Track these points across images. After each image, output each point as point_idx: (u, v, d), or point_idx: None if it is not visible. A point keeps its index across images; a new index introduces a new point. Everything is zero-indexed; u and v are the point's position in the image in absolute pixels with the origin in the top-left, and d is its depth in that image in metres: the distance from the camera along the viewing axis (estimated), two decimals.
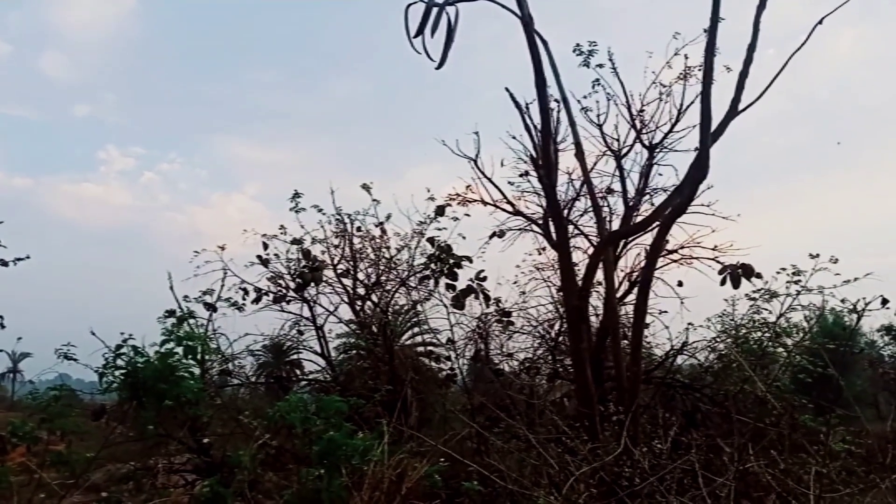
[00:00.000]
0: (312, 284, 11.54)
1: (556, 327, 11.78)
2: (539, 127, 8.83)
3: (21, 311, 10.05)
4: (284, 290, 11.83)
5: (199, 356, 6.80)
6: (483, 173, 11.33)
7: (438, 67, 7.63)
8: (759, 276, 10.20)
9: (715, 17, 7.92)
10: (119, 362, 6.22)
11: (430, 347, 13.79)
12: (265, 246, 11.66)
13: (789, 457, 6.75)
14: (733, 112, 8.14)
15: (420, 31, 7.54)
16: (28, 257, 9.91)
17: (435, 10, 7.57)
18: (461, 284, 11.76)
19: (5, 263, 9.76)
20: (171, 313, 9.90)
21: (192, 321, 9.99)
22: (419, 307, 12.21)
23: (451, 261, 11.68)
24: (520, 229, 11.64)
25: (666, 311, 10.68)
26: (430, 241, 11.82)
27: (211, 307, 10.54)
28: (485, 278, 11.79)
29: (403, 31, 7.53)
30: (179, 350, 6.43)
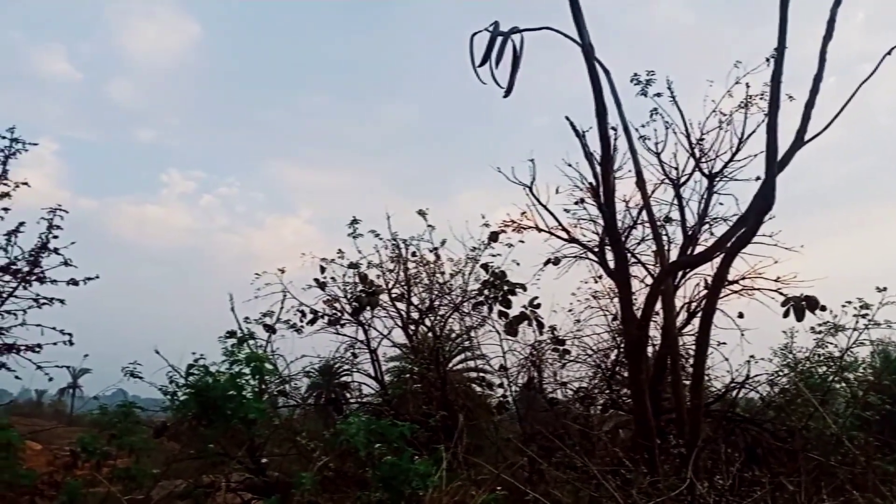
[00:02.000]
0: (368, 308, 11.65)
1: (612, 357, 11.65)
2: (599, 155, 8.81)
3: (82, 328, 10.36)
4: (340, 313, 11.97)
5: (264, 376, 6.92)
6: (538, 200, 11.35)
7: (506, 95, 7.73)
8: (823, 308, 9.94)
9: (781, 48, 7.85)
10: (190, 381, 6.36)
11: (481, 374, 13.76)
12: (322, 269, 11.84)
13: (862, 497, 6.53)
14: (799, 142, 8.03)
15: (485, 61, 7.66)
16: (98, 277, 10.34)
17: (499, 39, 7.67)
18: (514, 311, 11.77)
19: (76, 283, 10.16)
20: (231, 334, 10.11)
21: (251, 342, 10.23)
22: (472, 333, 12.22)
23: (506, 287, 11.69)
24: (575, 257, 11.60)
25: (725, 343, 10.48)
26: (485, 267, 11.85)
27: (270, 329, 10.71)
28: (538, 305, 11.77)
29: (468, 59, 7.65)
30: (247, 371, 6.57)
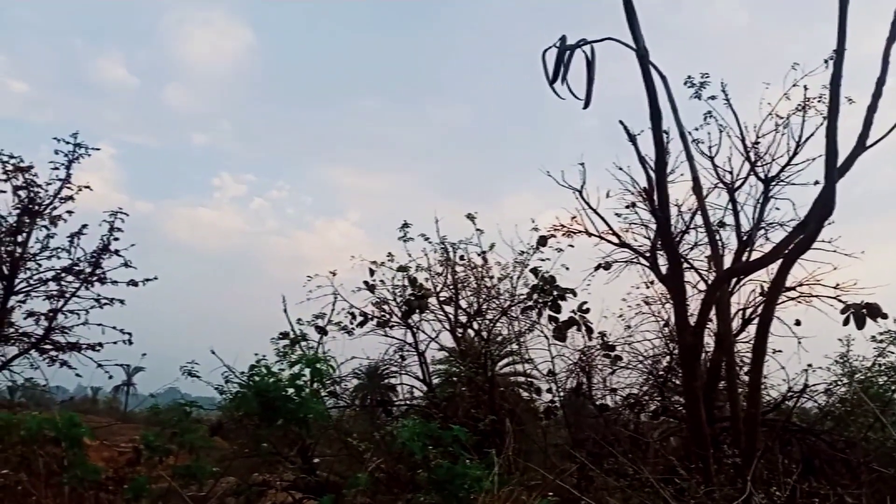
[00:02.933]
0: (417, 311, 11.72)
1: (664, 363, 11.51)
2: (653, 159, 8.73)
3: (137, 327, 10.69)
4: (389, 316, 12.06)
5: (322, 378, 7.04)
6: (588, 204, 11.29)
7: (585, 106, 7.79)
8: (885, 316, 9.66)
9: (840, 51, 7.67)
10: (252, 381, 6.51)
11: (529, 378, 13.70)
12: (372, 272, 11.94)
13: None
14: (861, 147, 7.83)
15: (556, 76, 7.70)
16: (156, 278, 10.66)
17: (567, 52, 7.72)
18: (564, 316, 11.70)
19: (135, 284, 10.49)
20: (284, 335, 10.29)
21: (303, 343, 10.39)
22: (520, 337, 12.18)
23: (555, 292, 11.63)
24: (626, 262, 11.50)
25: (781, 351, 10.25)
26: (534, 271, 11.81)
27: (322, 330, 10.86)
28: (588, 310, 11.67)
29: (542, 75, 7.72)
30: (305, 372, 6.69)
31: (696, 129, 10.80)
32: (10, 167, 9.91)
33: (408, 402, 12.69)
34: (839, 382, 10.20)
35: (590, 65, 8.00)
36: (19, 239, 9.99)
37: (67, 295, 10.21)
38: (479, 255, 12.16)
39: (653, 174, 8.94)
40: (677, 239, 10.81)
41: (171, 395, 9.35)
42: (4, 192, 9.97)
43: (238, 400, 6.59)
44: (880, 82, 7.83)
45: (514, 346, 12.54)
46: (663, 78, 8.68)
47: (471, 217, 11.96)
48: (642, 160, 9.23)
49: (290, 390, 6.30)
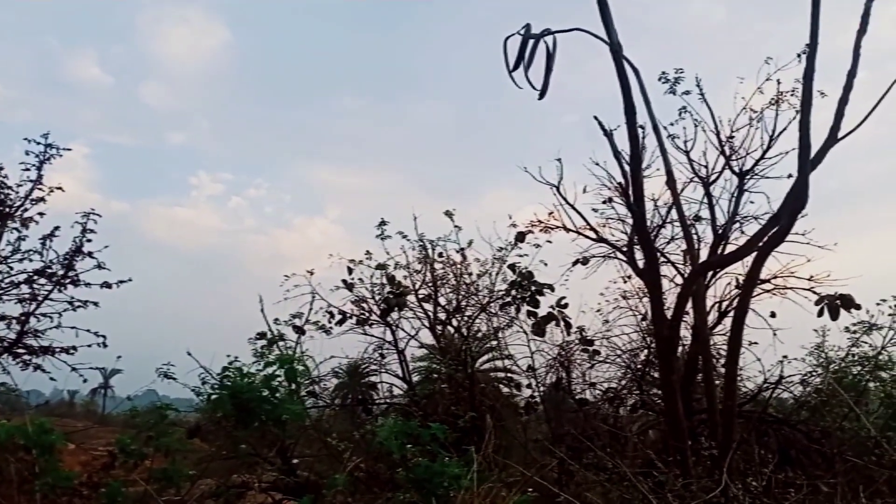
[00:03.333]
0: (396, 309, 11.69)
1: (642, 357, 11.58)
2: (628, 154, 8.75)
3: (113, 329, 10.56)
4: (368, 314, 12.01)
5: (298, 377, 6.97)
6: (566, 200, 11.31)
7: (541, 97, 7.74)
8: (858, 307, 9.78)
9: (813, 45, 7.72)
10: (225, 383, 6.44)
11: (509, 374, 13.74)
12: (350, 270, 11.89)
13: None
14: (833, 140, 7.89)
15: (518, 64, 7.67)
16: (130, 280, 10.51)
17: (531, 41, 7.67)
18: (542, 311, 11.72)
19: (109, 285, 10.34)
20: (262, 335, 10.21)
21: (281, 343, 10.32)
22: (500, 333, 12.20)
23: (533, 288, 11.65)
24: (603, 256, 11.54)
25: (757, 343, 10.35)
26: (512, 267, 11.81)
27: (299, 330, 10.79)
28: (566, 305, 11.69)
29: (502, 63, 7.67)
30: (280, 372, 6.63)
31: (672, 125, 10.87)
32: None
33: (388, 400, 12.67)
34: (814, 373, 10.31)
35: (550, 55, 7.95)
36: None
37: (40, 298, 10.04)
38: (457, 251, 12.18)
39: (628, 169, 8.97)
40: (653, 233, 10.88)
41: (150, 397, 9.23)
42: None
43: (213, 402, 6.51)
44: (851, 75, 7.91)
45: (494, 343, 12.55)
46: (636, 72, 8.69)
47: (448, 214, 11.96)
48: (617, 155, 9.25)
49: (265, 391, 6.25)
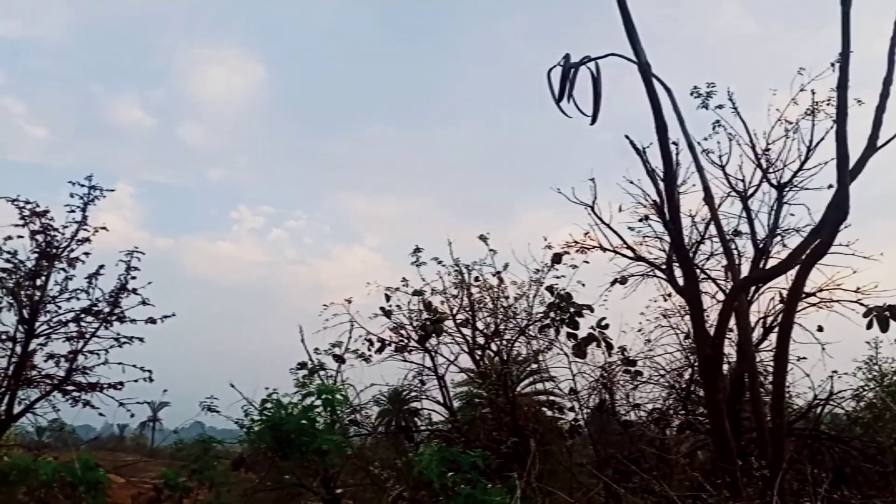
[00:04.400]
0: (434, 335, 11.68)
1: (686, 376, 11.35)
2: (661, 172, 8.69)
3: (160, 363, 10.76)
4: (406, 341, 12.02)
5: (337, 407, 7.00)
6: (601, 219, 11.21)
7: (592, 123, 7.81)
8: None
9: (845, 53, 7.61)
10: (265, 415, 6.50)
11: (551, 397, 13.58)
12: (387, 298, 11.93)
13: None
14: (872, 149, 7.75)
15: (562, 95, 7.74)
16: (174, 315, 10.73)
17: (572, 70, 7.76)
18: (582, 333, 11.60)
19: (154, 321, 10.56)
20: (302, 365, 10.29)
21: (322, 372, 10.38)
22: (539, 356, 12.09)
23: (572, 309, 11.54)
24: (642, 275, 11.40)
25: (805, 358, 10.08)
26: (549, 289, 11.72)
27: (339, 359, 10.84)
28: (607, 326, 11.55)
29: (548, 93, 7.77)
30: (319, 402, 6.67)
31: (706, 139, 10.77)
32: (26, 212, 10.06)
33: (429, 427, 12.62)
34: (866, 388, 9.99)
35: (595, 81, 8.03)
36: (38, 282, 10.11)
37: (87, 335, 10.30)
38: (493, 275, 12.14)
39: (662, 186, 8.89)
40: (692, 250, 10.73)
41: (196, 429, 9.37)
42: (22, 237, 10.12)
43: (253, 434, 6.58)
44: (887, 82, 7.77)
45: (534, 366, 12.44)
46: (668, 90, 8.65)
47: (483, 238, 11.94)
48: (651, 173, 9.18)
49: (304, 422, 6.28)
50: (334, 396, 6.80)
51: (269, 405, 6.54)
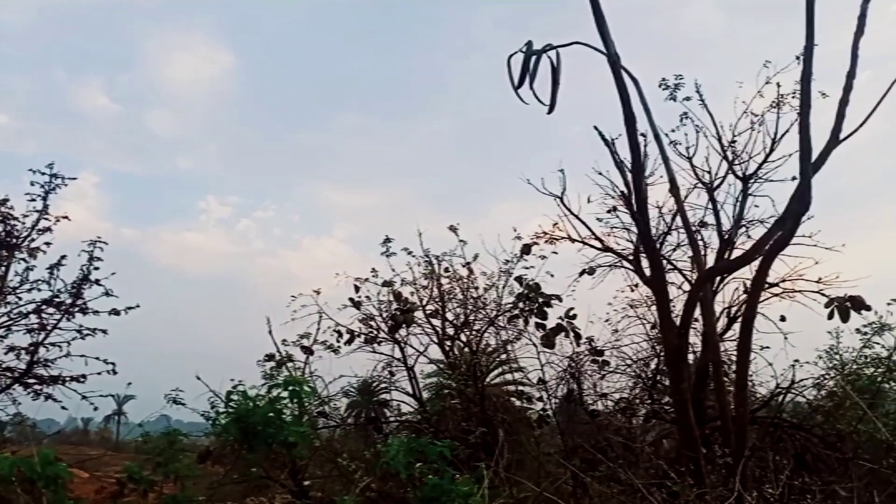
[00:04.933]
0: (403, 326, 11.66)
1: (653, 366, 11.49)
2: (629, 163, 8.73)
3: (126, 355, 10.60)
4: (376, 332, 11.99)
5: (303, 399, 6.95)
6: (570, 210, 11.25)
7: (549, 112, 7.77)
8: (868, 308, 9.68)
9: (809, 47, 7.71)
10: (230, 407, 6.43)
11: (520, 387, 13.66)
12: (357, 289, 11.89)
13: None
14: (834, 141, 7.85)
15: (522, 81, 7.70)
16: (138, 306, 10.56)
17: (534, 58, 7.71)
18: (551, 323, 11.67)
19: (117, 312, 10.38)
20: (270, 357, 10.21)
21: (290, 364, 10.31)
22: (509, 347, 12.15)
23: (540, 299, 11.60)
24: (610, 266, 11.48)
25: (768, 347, 10.26)
26: (518, 279, 11.78)
27: (308, 350, 10.77)
28: (575, 316, 11.63)
29: (498, 78, 7.71)
30: (285, 394, 6.62)
31: (673, 131, 10.87)
32: None
33: (398, 418, 12.62)
34: (827, 376, 10.20)
35: (555, 70, 7.99)
36: None
37: (48, 327, 10.09)
38: (463, 265, 12.16)
39: (630, 177, 8.94)
40: (660, 241, 10.84)
41: (163, 422, 9.23)
42: None
43: (219, 426, 6.51)
44: (850, 76, 7.88)
45: (504, 356, 12.50)
46: (636, 82, 8.68)
47: (453, 229, 11.95)
48: (618, 164, 9.24)
49: (270, 414, 6.23)
50: (301, 388, 6.73)
51: (234, 397, 6.47)
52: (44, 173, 10.19)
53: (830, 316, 9.82)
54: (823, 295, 9.90)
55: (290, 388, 6.53)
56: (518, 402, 14.05)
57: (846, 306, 9.62)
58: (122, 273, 10.64)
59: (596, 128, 9.26)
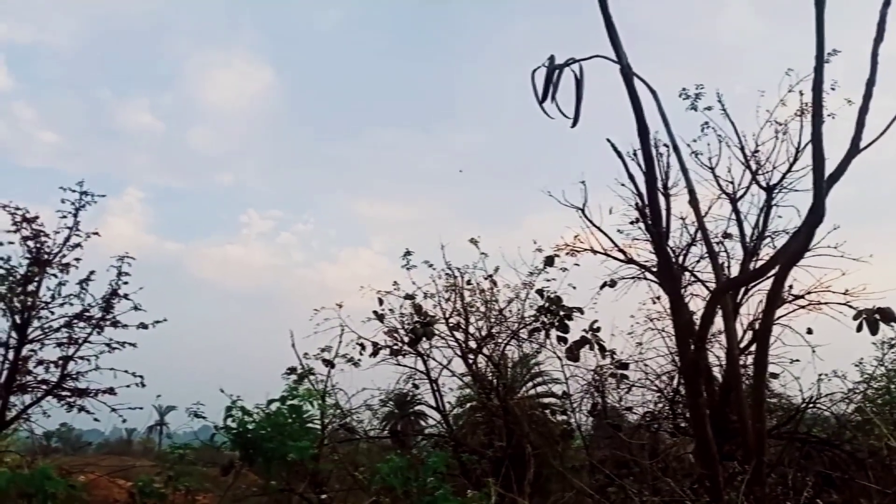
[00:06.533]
0: (424, 339, 11.68)
1: (675, 380, 11.29)
2: (644, 175, 8.65)
3: (167, 367, 10.85)
4: (399, 344, 12.03)
5: (305, 413, 6.99)
6: (591, 222, 11.19)
7: (573, 125, 7.76)
8: None
9: (820, 55, 7.55)
10: (229, 423, 6.53)
11: (545, 400, 13.56)
12: (380, 301, 11.95)
13: None
14: (854, 151, 7.63)
15: (545, 95, 7.71)
16: (165, 320, 10.78)
17: (556, 71, 7.73)
18: (574, 335, 11.56)
19: (145, 326, 10.63)
20: (292, 370, 10.32)
21: (311, 377, 10.40)
22: (531, 359, 12.08)
23: (562, 312, 11.52)
24: (633, 278, 11.36)
25: (797, 360, 10.03)
26: (539, 292, 11.71)
27: (329, 363, 10.86)
28: (598, 329, 11.52)
29: (529, 90, 7.72)
30: (285, 408, 6.68)
31: (695, 141, 10.74)
32: (17, 218, 10.15)
33: (421, 431, 12.64)
34: (856, 390, 9.89)
35: (578, 83, 7.97)
36: (30, 288, 10.20)
37: (80, 341, 10.37)
38: (485, 278, 12.14)
39: (644, 190, 8.86)
40: (683, 252, 10.72)
41: (205, 433, 9.41)
42: (13, 243, 10.19)
43: (219, 442, 6.62)
44: (870, 83, 7.66)
45: (526, 369, 12.43)
46: (653, 92, 8.60)
47: (473, 241, 11.95)
48: (631, 177, 9.18)
49: (268, 429, 6.30)
50: (302, 403, 6.79)
51: (233, 413, 6.56)
52: (74, 191, 10.51)
53: (860, 328, 9.53)
54: (851, 307, 9.64)
55: (290, 402, 6.59)
56: (543, 416, 13.95)
57: (875, 318, 9.32)
58: (167, 285, 10.89)
59: (609, 140, 9.17)
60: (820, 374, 9.78)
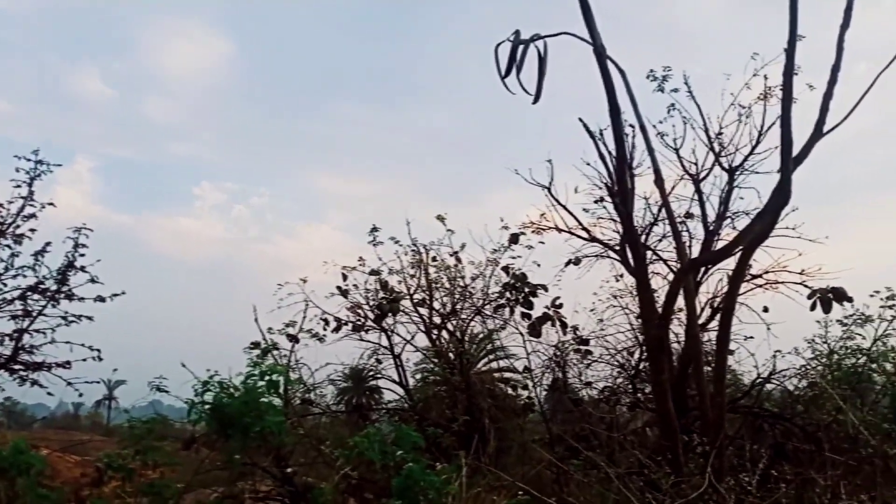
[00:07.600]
0: (390, 314, 11.69)
1: (636, 355, 11.54)
2: (614, 154, 8.76)
3: (117, 341, 10.58)
4: (363, 320, 12.01)
5: (280, 388, 6.96)
6: (557, 200, 11.25)
7: (535, 102, 7.76)
8: (850, 299, 9.75)
9: (792, 40, 7.72)
10: (206, 397, 6.45)
11: (507, 375, 13.72)
12: (344, 277, 11.90)
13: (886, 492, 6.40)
14: (818, 134, 7.87)
15: (509, 70, 7.69)
16: (124, 293, 10.50)
17: (521, 47, 7.69)
18: (537, 312, 11.73)
19: (102, 299, 10.34)
20: (255, 345, 10.21)
21: (275, 352, 10.31)
22: (495, 335, 12.20)
23: (527, 289, 11.66)
24: (596, 256, 11.50)
25: (752, 338, 10.33)
26: (505, 269, 11.82)
27: (293, 338, 10.79)
28: (561, 305, 11.71)
29: (493, 68, 7.69)
30: (263, 383, 6.63)
31: (661, 122, 10.85)
32: None
33: (385, 405, 12.68)
34: (808, 367, 10.26)
35: (542, 60, 7.98)
36: None
37: (34, 314, 10.04)
38: (451, 255, 12.18)
39: (614, 169, 8.97)
40: (646, 231, 10.89)
41: (154, 407, 9.24)
42: None
43: (196, 416, 6.53)
44: (835, 69, 7.88)
45: (490, 345, 12.56)
46: (622, 73, 8.69)
47: (440, 218, 11.97)
48: (602, 156, 9.26)
49: (246, 403, 6.25)
50: (278, 377, 6.75)
51: (210, 387, 6.48)
52: (29, 159, 10.11)
53: (813, 307, 9.90)
54: (806, 286, 9.98)
55: (266, 378, 6.54)
56: (505, 390, 14.14)
57: (828, 297, 9.70)
58: (116, 258, 10.62)
59: (580, 119, 9.26)
60: (776, 351, 10.10)
